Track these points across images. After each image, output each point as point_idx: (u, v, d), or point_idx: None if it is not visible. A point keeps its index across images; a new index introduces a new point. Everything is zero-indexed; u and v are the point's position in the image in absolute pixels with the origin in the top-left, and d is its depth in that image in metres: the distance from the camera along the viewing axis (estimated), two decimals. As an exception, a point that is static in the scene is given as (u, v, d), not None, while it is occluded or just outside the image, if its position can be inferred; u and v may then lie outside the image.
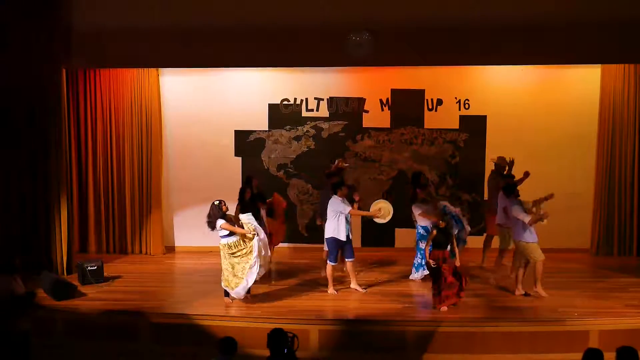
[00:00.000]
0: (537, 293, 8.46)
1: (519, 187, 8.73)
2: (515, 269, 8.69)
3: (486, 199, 10.24)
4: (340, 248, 8.73)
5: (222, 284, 8.22)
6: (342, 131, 11.02)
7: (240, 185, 9.69)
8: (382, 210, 8.87)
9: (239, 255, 8.08)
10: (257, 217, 8.72)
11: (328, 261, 8.78)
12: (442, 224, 8.19)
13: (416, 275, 9.26)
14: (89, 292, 8.80)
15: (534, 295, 8.46)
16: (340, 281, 9.09)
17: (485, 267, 9.77)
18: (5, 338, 6.46)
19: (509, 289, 8.72)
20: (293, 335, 5.90)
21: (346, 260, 8.83)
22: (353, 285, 8.87)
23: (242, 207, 8.83)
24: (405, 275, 9.49)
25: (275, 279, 9.44)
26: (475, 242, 9.90)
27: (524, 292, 8.55)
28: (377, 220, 8.90)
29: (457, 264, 8.16)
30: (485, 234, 10.07)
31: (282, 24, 8.97)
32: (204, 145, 10.99)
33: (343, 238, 8.62)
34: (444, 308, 8.02)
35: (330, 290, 8.76)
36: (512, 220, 8.54)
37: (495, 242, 9.64)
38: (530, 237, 8.32)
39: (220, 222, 8.04)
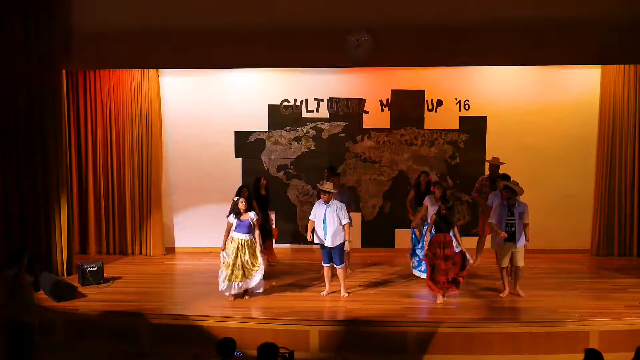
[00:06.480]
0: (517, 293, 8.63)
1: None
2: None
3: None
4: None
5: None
6: (342, 132, 11.01)
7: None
8: None
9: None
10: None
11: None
12: (443, 210, 8.25)
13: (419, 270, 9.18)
14: (89, 293, 8.80)
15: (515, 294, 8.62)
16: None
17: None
18: (12, 329, 6.57)
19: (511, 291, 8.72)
20: (290, 351, 5.68)
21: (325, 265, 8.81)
22: (327, 290, 8.83)
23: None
24: (405, 276, 9.48)
25: (275, 279, 9.44)
26: (472, 243, 9.90)
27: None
28: None
29: (462, 249, 8.33)
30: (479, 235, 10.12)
31: (282, 25, 8.97)
32: (204, 146, 10.98)
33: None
34: (440, 300, 8.23)
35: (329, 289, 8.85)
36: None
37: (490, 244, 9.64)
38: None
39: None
